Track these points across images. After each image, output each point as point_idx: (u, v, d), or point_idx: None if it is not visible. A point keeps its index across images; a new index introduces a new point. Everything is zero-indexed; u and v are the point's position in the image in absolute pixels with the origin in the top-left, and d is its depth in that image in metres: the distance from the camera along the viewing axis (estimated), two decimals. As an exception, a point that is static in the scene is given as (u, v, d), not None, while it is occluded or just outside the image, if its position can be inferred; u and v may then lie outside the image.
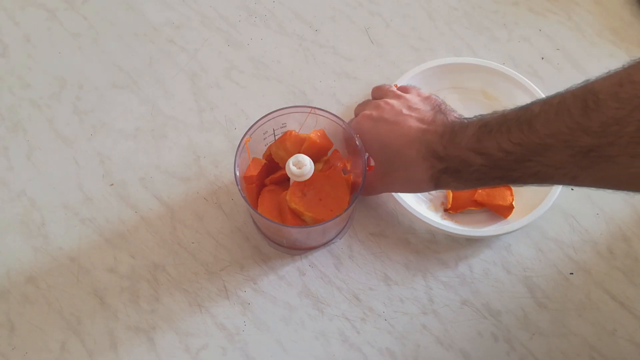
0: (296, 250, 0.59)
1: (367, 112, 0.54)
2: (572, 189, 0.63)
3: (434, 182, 0.49)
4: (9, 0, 0.72)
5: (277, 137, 0.57)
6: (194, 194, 0.62)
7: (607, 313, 0.58)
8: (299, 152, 0.52)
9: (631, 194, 0.60)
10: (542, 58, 0.70)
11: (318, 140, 0.54)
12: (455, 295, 0.58)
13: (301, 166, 0.50)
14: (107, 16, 0.71)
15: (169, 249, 0.59)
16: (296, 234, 0.56)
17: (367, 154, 0.53)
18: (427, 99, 0.54)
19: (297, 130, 0.56)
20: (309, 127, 0.56)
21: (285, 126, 0.56)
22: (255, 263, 0.59)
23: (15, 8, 0.72)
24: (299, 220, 0.53)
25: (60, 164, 0.63)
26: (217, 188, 0.62)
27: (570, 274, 0.59)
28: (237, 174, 0.52)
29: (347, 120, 0.55)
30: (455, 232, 0.58)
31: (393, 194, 0.59)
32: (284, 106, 0.55)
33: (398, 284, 0.58)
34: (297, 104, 0.57)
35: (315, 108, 0.55)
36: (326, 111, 0.54)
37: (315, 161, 0.52)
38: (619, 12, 0.73)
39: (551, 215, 0.61)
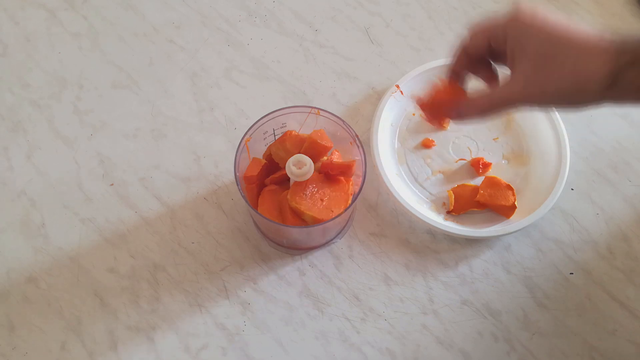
0: (296, 250, 0.59)
1: (526, 9, 0.42)
2: (572, 189, 0.63)
3: (611, 80, 0.38)
4: (9, 0, 0.72)
5: (277, 137, 0.57)
6: (194, 194, 0.62)
7: (607, 313, 0.58)
8: (299, 152, 0.52)
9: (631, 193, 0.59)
10: (542, 58, 0.70)
11: (318, 141, 0.54)
12: (455, 295, 0.58)
13: (301, 166, 0.50)
14: (107, 16, 0.71)
15: (169, 249, 0.59)
16: (296, 233, 0.56)
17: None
18: None
19: (297, 130, 0.56)
20: (309, 127, 0.56)
21: (285, 126, 0.56)
22: (255, 263, 0.59)
23: (15, 8, 0.72)
24: (299, 220, 0.53)
25: (60, 164, 0.63)
26: (217, 188, 0.62)
27: (570, 274, 0.59)
28: (237, 174, 0.52)
29: (349, 121, 0.55)
30: (456, 232, 0.58)
31: (394, 194, 0.59)
32: (284, 106, 0.55)
33: (398, 284, 0.58)
34: (297, 104, 0.58)
35: (315, 108, 0.55)
36: (326, 111, 0.54)
37: (315, 161, 0.52)
38: (619, 12, 0.73)
39: (551, 215, 0.61)
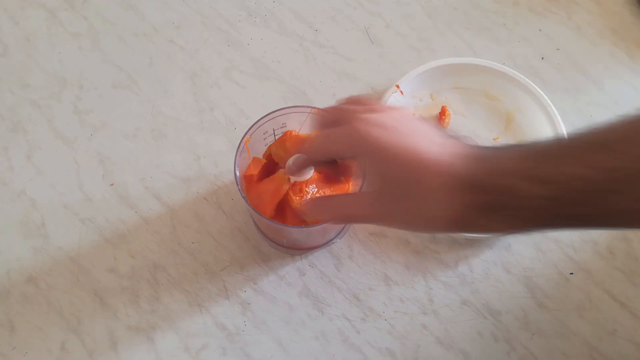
0: (296, 250, 0.59)
1: (369, 118, 0.39)
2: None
3: (461, 222, 0.37)
4: (9, 0, 0.72)
5: (277, 137, 0.57)
6: (194, 194, 0.62)
7: (607, 313, 0.58)
8: (299, 152, 0.52)
9: None
10: (542, 58, 0.70)
11: (318, 140, 0.54)
12: (455, 295, 0.58)
13: (301, 166, 0.50)
14: (107, 16, 0.71)
15: (169, 249, 0.59)
16: (296, 234, 0.56)
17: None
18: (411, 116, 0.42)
19: (297, 130, 0.56)
20: (309, 127, 0.56)
21: (285, 126, 0.56)
22: (255, 263, 0.59)
23: (15, 8, 0.72)
24: (300, 220, 0.53)
25: (60, 164, 0.63)
26: (217, 188, 0.62)
27: (570, 274, 0.59)
28: (237, 174, 0.52)
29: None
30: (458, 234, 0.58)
31: None
32: (284, 106, 0.55)
33: (398, 284, 0.58)
34: (297, 104, 0.57)
35: (315, 108, 0.54)
36: (326, 111, 0.54)
37: (315, 161, 0.52)
38: (619, 12, 0.73)
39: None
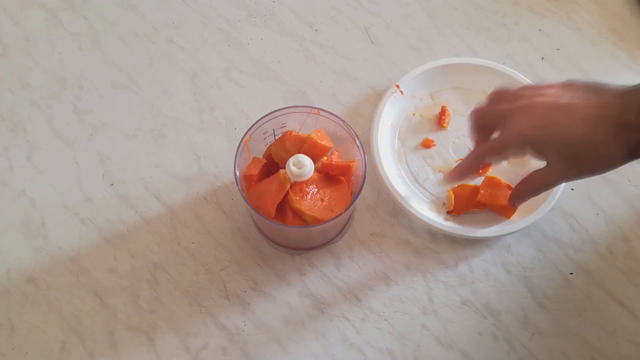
0: (296, 250, 0.59)
1: (523, 120, 0.48)
2: (572, 189, 0.63)
3: (630, 156, 0.45)
4: (9, 0, 0.72)
5: (277, 137, 0.57)
6: (194, 194, 0.62)
7: (607, 313, 0.58)
8: (299, 152, 0.52)
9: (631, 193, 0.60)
10: (542, 58, 0.70)
11: (318, 141, 0.54)
12: (455, 295, 0.58)
13: (301, 166, 0.50)
14: (107, 16, 0.71)
15: (169, 249, 0.59)
16: (296, 234, 0.56)
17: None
18: (567, 84, 0.49)
19: (297, 130, 0.56)
20: (309, 127, 0.56)
21: (285, 126, 0.56)
22: (255, 263, 0.59)
23: (15, 8, 0.72)
24: (300, 220, 0.53)
25: (60, 164, 0.63)
26: (217, 188, 0.62)
27: (570, 274, 0.59)
28: (237, 174, 0.52)
29: (349, 121, 0.55)
30: (456, 232, 0.58)
31: (394, 194, 0.59)
32: (284, 106, 0.55)
33: (398, 284, 0.58)
34: (297, 104, 0.57)
35: (315, 108, 0.55)
36: (326, 111, 0.54)
37: (315, 161, 0.52)
38: (619, 12, 0.73)
39: (551, 215, 0.61)
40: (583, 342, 0.56)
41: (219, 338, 0.56)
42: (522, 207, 0.60)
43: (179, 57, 0.69)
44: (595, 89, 0.47)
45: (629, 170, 0.64)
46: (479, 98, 0.66)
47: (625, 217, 0.62)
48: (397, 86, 0.65)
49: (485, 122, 0.53)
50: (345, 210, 0.51)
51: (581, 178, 0.50)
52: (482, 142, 0.54)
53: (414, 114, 0.66)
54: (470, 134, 0.55)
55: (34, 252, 0.59)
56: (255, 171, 0.55)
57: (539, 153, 0.48)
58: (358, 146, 0.53)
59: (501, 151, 0.50)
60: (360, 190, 0.51)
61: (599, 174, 0.50)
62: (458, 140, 0.65)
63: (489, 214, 0.61)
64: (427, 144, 0.64)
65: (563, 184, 0.59)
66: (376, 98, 0.67)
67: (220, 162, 0.63)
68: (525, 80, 0.64)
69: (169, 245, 0.60)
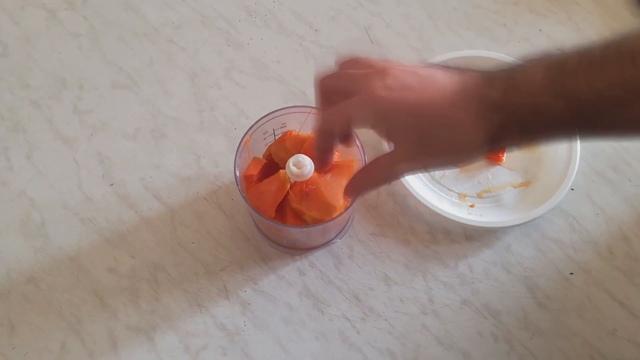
0: (296, 250, 0.59)
1: (378, 83, 0.40)
2: (572, 189, 0.63)
3: (490, 141, 0.39)
4: (9, 0, 0.72)
5: (277, 137, 0.57)
6: (194, 194, 0.62)
7: (607, 313, 0.58)
8: (299, 152, 0.52)
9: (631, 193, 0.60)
10: (542, 58, 0.70)
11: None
12: (455, 295, 0.58)
13: (301, 166, 0.50)
14: (107, 16, 0.71)
15: (169, 249, 0.59)
16: (296, 234, 0.56)
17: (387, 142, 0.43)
18: (424, 64, 0.43)
19: (297, 130, 0.56)
20: (309, 127, 0.56)
21: (285, 126, 0.56)
22: (255, 263, 0.59)
23: (15, 8, 0.72)
24: (300, 220, 0.53)
25: (60, 164, 0.63)
26: (217, 188, 0.62)
27: (570, 274, 0.59)
28: (237, 174, 0.52)
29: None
30: (482, 225, 0.58)
31: (416, 196, 0.59)
32: (284, 106, 0.55)
33: (398, 284, 0.58)
34: (297, 104, 0.57)
35: (315, 108, 0.54)
36: (326, 111, 0.54)
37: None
38: (619, 12, 0.73)
39: (551, 215, 0.61)
40: (583, 342, 0.56)
41: (219, 338, 0.56)
42: (524, 204, 0.60)
43: (179, 57, 0.69)
44: (457, 70, 0.41)
45: (629, 170, 0.64)
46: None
47: (625, 217, 0.62)
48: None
49: (334, 87, 0.44)
50: (345, 210, 0.51)
51: (430, 167, 0.43)
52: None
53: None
54: (317, 105, 0.46)
55: (34, 252, 0.59)
56: (255, 171, 0.55)
57: (388, 126, 0.40)
58: (358, 146, 0.53)
59: (345, 119, 0.41)
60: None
61: (450, 163, 0.42)
62: None
63: (496, 209, 0.61)
64: None
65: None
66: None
67: (220, 162, 0.63)
68: None
69: (169, 245, 0.60)
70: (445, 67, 0.42)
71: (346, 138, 0.47)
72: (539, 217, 0.59)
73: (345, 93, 0.42)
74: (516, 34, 0.71)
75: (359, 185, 0.45)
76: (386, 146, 0.61)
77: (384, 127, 0.41)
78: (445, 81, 0.40)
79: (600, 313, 0.58)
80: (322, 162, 0.46)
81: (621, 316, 0.57)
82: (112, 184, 0.62)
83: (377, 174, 0.44)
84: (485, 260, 0.60)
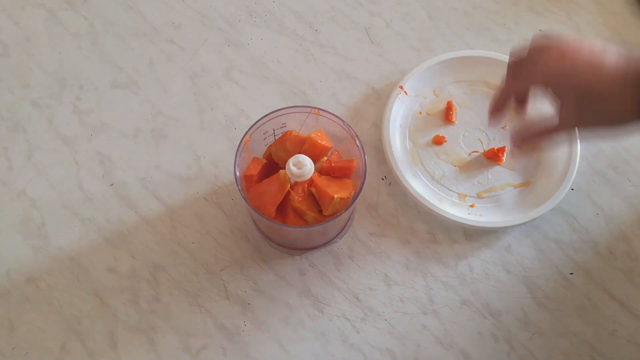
0: (296, 250, 0.59)
1: (553, 63, 0.49)
2: (572, 189, 0.63)
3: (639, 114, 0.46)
4: (9, 0, 0.72)
5: (277, 137, 0.57)
6: (194, 194, 0.62)
7: (607, 313, 0.58)
8: (299, 153, 0.52)
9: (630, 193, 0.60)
10: (542, 58, 0.70)
11: (318, 141, 0.54)
12: (455, 295, 0.58)
13: (301, 166, 0.50)
14: (107, 16, 0.71)
15: (169, 249, 0.59)
16: (296, 234, 0.56)
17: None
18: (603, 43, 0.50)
19: (297, 130, 0.56)
20: (309, 127, 0.56)
21: (285, 126, 0.56)
22: (255, 263, 0.59)
23: (15, 8, 0.72)
24: (300, 220, 0.53)
25: (60, 164, 0.63)
26: (217, 188, 0.62)
27: (570, 274, 0.59)
28: (237, 174, 0.52)
29: (348, 121, 0.55)
30: (483, 225, 0.58)
31: (416, 197, 0.59)
32: (284, 106, 0.55)
33: (398, 284, 0.58)
34: (297, 104, 0.57)
35: (315, 108, 0.55)
36: (326, 111, 0.54)
37: (315, 161, 0.52)
38: (619, 12, 0.73)
39: (551, 215, 0.61)
40: (583, 342, 0.56)
41: (219, 338, 0.56)
42: (525, 204, 0.60)
43: (179, 57, 0.69)
44: (628, 49, 0.47)
45: (629, 170, 0.64)
46: (481, 89, 0.67)
47: (625, 217, 0.62)
48: (401, 87, 0.65)
49: (520, 60, 0.53)
50: (345, 210, 0.51)
51: (588, 129, 0.50)
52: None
53: (420, 113, 0.66)
54: (507, 70, 0.55)
55: (34, 252, 0.59)
56: (255, 171, 0.55)
57: (559, 94, 0.49)
58: (358, 146, 0.53)
59: (527, 84, 0.52)
60: (360, 190, 0.51)
61: (608, 129, 0.49)
62: (468, 133, 0.65)
63: (497, 208, 0.61)
64: (438, 141, 0.65)
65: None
66: (376, 98, 0.67)
67: (220, 162, 0.63)
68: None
69: (169, 245, 0.60)
70: (620, 46, 0.48)
71: (522, 101, 0.56)
72: (539, 217, 0.59)
73: (528, 64, 0.51)
74: (516, 34, 0.71)
75: (526, 136, 0.53)
76: (388, 145, 0.61)
77: (557, 94, 0.49)
78: (612, 60, 0.46)
79: (600, 313, 0.58)
80: (496, 119, 0.56)
81: (621, 316, 0.57)
82: (112, 184, 0.62)
83: (544, 128, 0.52)
84: (485, 260, 0.60)
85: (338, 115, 0.54)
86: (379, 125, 0.66)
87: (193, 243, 0.60)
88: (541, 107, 0.57)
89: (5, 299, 0.57)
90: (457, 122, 0.66)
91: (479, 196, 0.62)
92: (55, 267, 0.59)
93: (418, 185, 0.61)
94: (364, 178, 0.52)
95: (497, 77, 0.66)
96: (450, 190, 0.63)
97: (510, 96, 0.54)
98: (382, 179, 0.63)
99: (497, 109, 0.56)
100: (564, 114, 0.50)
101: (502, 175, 0.63)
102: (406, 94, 0.65)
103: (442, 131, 0.65)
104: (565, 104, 0.49)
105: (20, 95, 0.67)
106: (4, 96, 0.67)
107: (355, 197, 0.52)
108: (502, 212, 0.61)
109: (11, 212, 0.61)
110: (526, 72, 0.51)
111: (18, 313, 0.57)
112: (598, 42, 0.49)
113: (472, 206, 0.61)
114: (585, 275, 0.59)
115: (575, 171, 0.60)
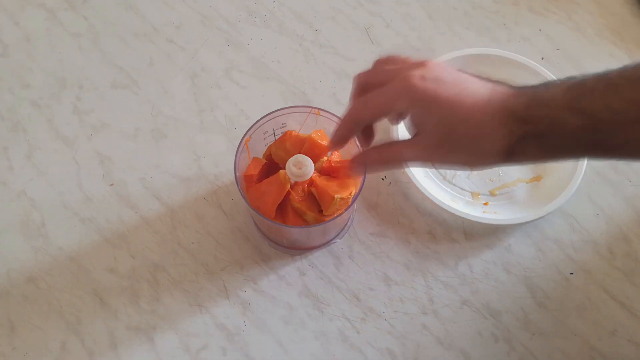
0: (296, 250, 0.59)
1: (414, 72, 0.42)
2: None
3: (508, 152, 0.41)
4: (9, 0, 0.72)
5: (277, 137, 0.57)
6: (194, 194, 0.62)
7: (607, 313, 0.58)
8: (299, 153, 0.52)
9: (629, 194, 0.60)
10: (542, 58, 0.70)
11: (318, 141, 0.54)
12: (455, 295, 0.58)
13: (301, 166, 0.50)
14: (107, 16, 0.71)
15: (169, 249, 0.59)
16: (296, 234, 0.56)
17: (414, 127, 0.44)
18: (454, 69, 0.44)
19: (297, 130, 0.56)
20: (309, 127, 0.56)
21: (285, 126, 0.56)
22: (255, 263, 0.59)
23: (15, 8, 0.72)
24: (300, 220, 0.53)
25: (60, 164, 0.63)
26: (217, 188, 0.62)
27: (570, 274, 0.59)
28: (237, 174, 0.52)
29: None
30: (496, 222, 0.58)
31: (430, 197, 0.59)
32: (284, 106, 0.55)
33: (398, 284, 0.58)
34: (297, 104, 0.57)
35: (315, 108, 0.55)
36: (326, 111, 0.54)
37: (315, 161, 0.52)
38: (619, 12, 0.73)
39: (551, 215, 0.61)
40: (583, 342, 0.56)
41: (219, 338, 0.56)
42: (548, 190, 0.60)
43: (179, 57, 0.69)
44: (490, 80, 0.43)
45: (629, 170, 0.64)
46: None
47: (625, 217, 0.62)
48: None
49: (373, 80, 0.45)
50: (345, 210, 0.51)
51: (444, 163, 0.44)
52: None
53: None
54: (351, 99, 0.47)
55: (34, 252, 0.59)
56: (255, 171, 0.55)
57: (418, 113, 0.42)
58: (358, 146, 0.53)
59: (377, 106, 0.43)
60: (360, 190, 0.51)
61: (465, 164, 0.44)
62: None
63: (505, 205, 0.61)
64: None
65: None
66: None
67: (220, 162, 0.63)
68: (522, 59, 0.64)
69: (169, 245, 0.60)
70: (478, 75, 0.43)
71: (367, 134, 0.48)
72: (539, 217, 0.59)
73: (380, 86, 0.43)
74: (516, 33, 0.71)
75: (367, 159, 0.47)
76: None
77: (414, 114, 0.42)
78: (477, 86, 0.42)
79: (600, 313, 0.58)
80: (336, 146, 0.47)
81: (621, 316, 0.57)
82: (112, 184, 0.62)
83: (389, 155, 0.45)
84: (485, 260, 0.60)
85: (338, 115, 0.54)
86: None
87: (193, 243, 0.60)
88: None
89: (5, 299, 0.57)
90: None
91: (491, 194, 0.62)
92: (55, 267, 0.59)
93: (431, 187, 0.61)
94: (364, 178, 0.52)
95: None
96: (462, 189, 0.63)
97: (358, 126, 0.45)
98: (382, 179, 0.63)
99: (339, 142, 0.46)
100: (421, 139, 0.43)
101: (513, 171, 0.63)
102: None
103: None
104: (426, 125, 0.42)
105: (20, 95, 0.67)
106: (4, 96, 0.67)
107: (355, 197, 0.52)
108: (516, 208, 0.61)
109: (11, 212, 0.61)
110: (379, 97, 0.43)
111: (18, 313, 0.57)
112: (447, 65, 0.44)
113: (485, 204, 0.61)
114: (585, 275, 0.59)
115: (584, 168, 0.60)
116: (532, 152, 0.41)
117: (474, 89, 0.41)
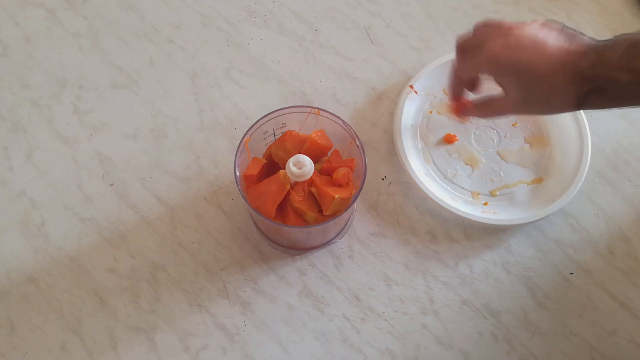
0: (296, 250, 0.59)
1: (498, 41, 0.51)
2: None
3: (577, 104, 0.48)
4: (9, 0, 0.72)
5: (277, 137, 0.57)
6: (194, 194, 0.62)
7: (607, 313, 0.58)
8: (300, 153, 0.52)
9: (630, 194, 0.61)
10: (542, 58, 0.70)
11: (319, 141, 0.54)
12: (455, 295, 0.58)
13: (301, 166, 0.50)
14: (107, 16, 0.71)
15: (169, 249, 0.59)
16: (296, 233, 0.56)
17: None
18: (546, 24, 0.51)
19: (297, 130, 0.56)
20: (309, 127, 0.56)
21: (285, 126, 0.56)
22: (255, 263, 0.59)
23: (15, 8, 0.72)
24: (300, 219, 0.53)
25: (60, 164, 0.63)
26: (217, 188, 0.62)
27: (570, 274, 0.59)
28: (237, 174, 0.52)
29: (348, 121, 0.55)
30: (496, 222, 0.58)
31: (430, 196, 0.59)
32: (284, 106, 0.55)
33: (398, 284, 0.58)
34: (297, 104, 0.57)
35: (315, 108, 0.55)
36: (326, 111, 0.54)
37: (315, 161, 0.52)
38: (619, 12, 0.73)
39: (551, 215, 0.61)
40: (583, 342, 0.56)
41: (219, 338, 0.56)
42: (550, 190, 0.61)
43: (179, 57, 0.69)
44: (570, 34, 0.49)
45: (629, 170, 0.64)
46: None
47: (625, 217, 0.62)
48: (411, 86, 0.65)
49: (467, 45, 0.55)
50: (345, 210, 0.51)
51: (528, 114, 0.57)
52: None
53: (430, 112, 0.66)
54: (455, 59, 0.57)
55: (34, 252, 0.59)
56: (255, 171, 0.55)
57: (502, 77, 0.51)
58: (358, 146, 0.53)
59: (472, 70, 0.54)
60: (360, 190, 0.51)
61: (544, 114, 0.57)
62: (479, 131, 0.65)
63: (522, 198, 0.61)
64: (449, 140, 0.65)
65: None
66: (376, 98, 0.67)
67: (220, 162, 0.63)
68: None
69: (169, 245, 0.60)
70: (561, 28, 0.50)
71: (473, 84, 0.58)
72: (539, 218, 0.59)
73: (474, 49, 0.53)
74: (516, 34, 0.71)
75: (471, 109, 0.57)
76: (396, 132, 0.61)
77: (500, 78, 0.51)
78: (554, 49, 0.48)
79: (600, 313, 0.58)
80: (456, 99, 0.59)
81: (621, 316, 0.57)
82: (112, 184, 0.62)
83: (489, 108, 0.55)
84: (485, 260, 0.60)
85: (338, 115, 0.54)
86: (379, 125, 0.66)
87: (193, 243, 0.60)
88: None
89: (5, 299, 0.57)
90: (468, 120, 0.66)
91: (492, 194, 0.62)
92: (55, 267, 0.59)
93: (431, 185, 0.61)
94: (364, 178, 0.52)
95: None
96: (463, 188, 0.63)
97: (461, 82, 0.57)
98: (382, 179, 0.63)
99: (454, 98, 0.59)
100: (507, 97, 0.52)
101: (515, 173, 0.63)
102: (416, 93, 0.65)
103: (453, 130, 0.65)
104: (509, 86, 0.51)
105: (20, 95, 0.67)
106: (4, 96, 0.67)
107: (355, 197, 0.52)
108: (516, 209, 0.61)
109: (11, 212, 0.61)
110: (472, 56, 0.53)
111: (18, 313, 0.57)
112: (541, 27, 0.50)
113: (485, 204, 0.61)
114: (585, 275, 0.59)
115: (586, 169, 0.60)
116: (598, 102, 0.48)
117: (550, 53, 0.48)
